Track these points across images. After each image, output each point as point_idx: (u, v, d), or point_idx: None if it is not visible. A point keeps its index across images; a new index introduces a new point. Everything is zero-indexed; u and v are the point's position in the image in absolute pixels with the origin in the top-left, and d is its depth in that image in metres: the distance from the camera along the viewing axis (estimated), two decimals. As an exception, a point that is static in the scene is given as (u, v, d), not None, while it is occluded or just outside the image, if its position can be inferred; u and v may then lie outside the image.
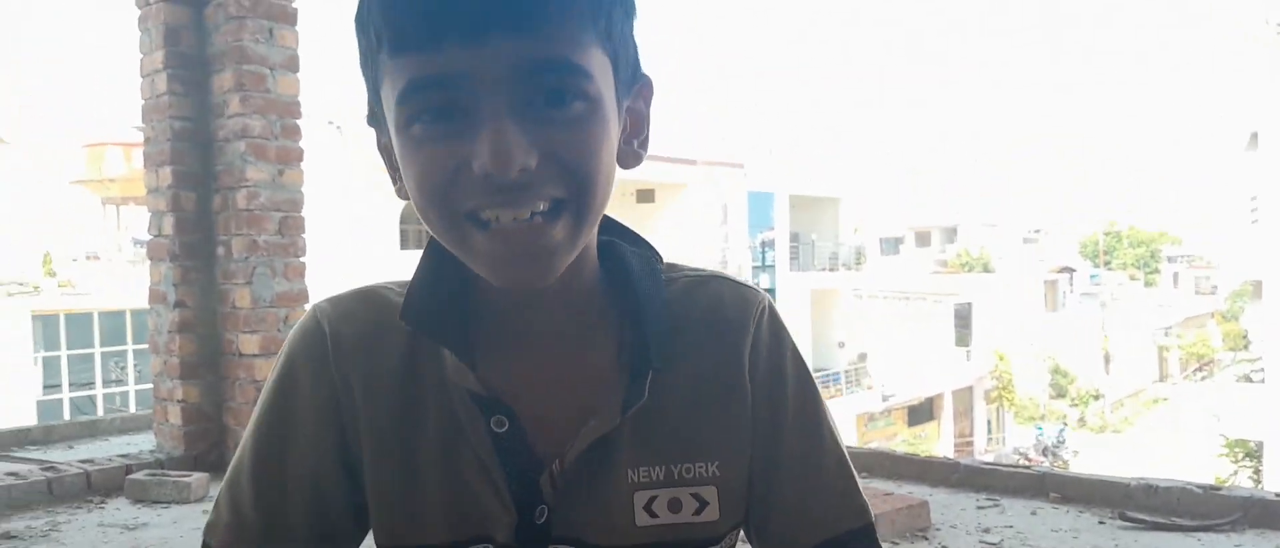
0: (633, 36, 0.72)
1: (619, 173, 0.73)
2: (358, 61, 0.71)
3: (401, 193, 0.72)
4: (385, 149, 0.73)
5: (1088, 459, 25.13)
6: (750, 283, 0.84)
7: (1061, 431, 28.39)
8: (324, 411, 0.77)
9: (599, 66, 0.66)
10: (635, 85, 0.74)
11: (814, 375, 0.85)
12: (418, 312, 0.75)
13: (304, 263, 4.99)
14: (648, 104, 0.75)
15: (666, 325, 0.77)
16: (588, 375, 0.76)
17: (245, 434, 0.81)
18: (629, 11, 0.71)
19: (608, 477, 0.75)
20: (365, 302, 0.79)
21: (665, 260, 0.82)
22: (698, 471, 0.76)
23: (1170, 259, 50.87)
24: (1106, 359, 34.88)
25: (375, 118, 0.72)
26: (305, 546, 0.78)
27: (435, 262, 0.76)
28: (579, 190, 0.66)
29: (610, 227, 0.80)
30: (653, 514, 0.75)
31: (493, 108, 0.63)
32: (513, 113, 0.63)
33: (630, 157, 0.74)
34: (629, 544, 0.75)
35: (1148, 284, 46.16)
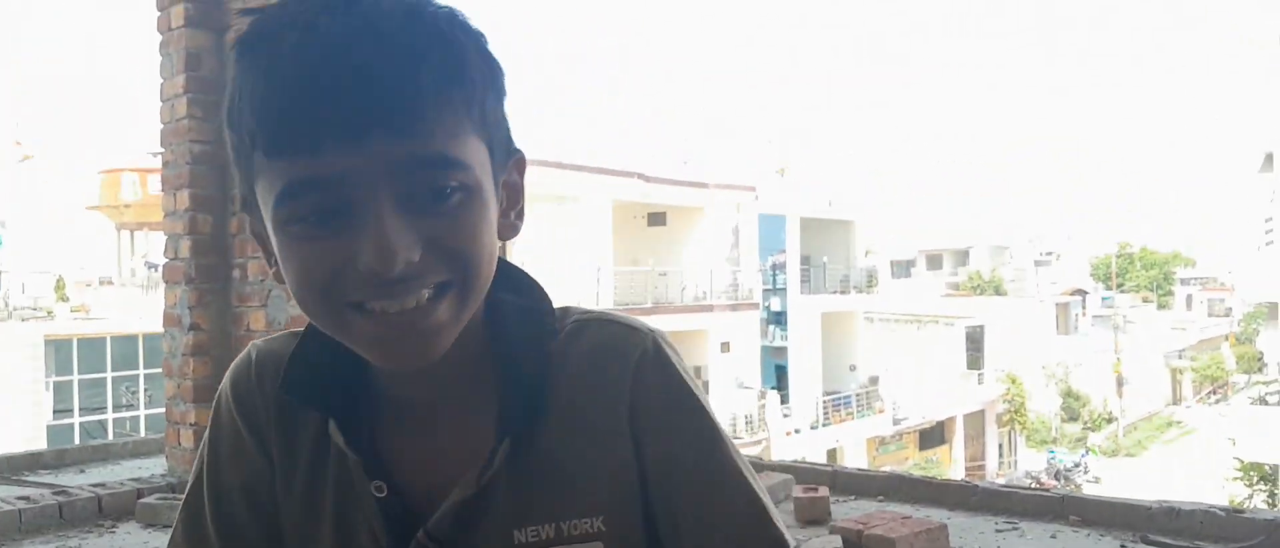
0: (504, 115, 0.73)
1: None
2: (230, 152, 0.71)
3: (278, 277, 0.72)
4: (259, 236, 0.73)
5: (1102, 483, 24.91)
6: (638, 322, 0.81)
7: (1084, 455, 28.15)
8: (259, 447, 0.81)
9: (475, 154, 0.68)
10: (509, 161, 0.75)
11: (711, 409, 0.80)
12: (300, 383, 0.77)
13: (318, 286, 5.00)
14: (521, 175, 0.77)
15: (540, 385, 0.76)
16: (468, 437, 0.77)
17: (200, 460, 0.84)
18: (500, 94, 0.72)
19: (489, 540, 0.75)
20: (290, 346, 0.81)
21: (556, 305, 0.81)
22: (584, 527, 0.76)
23: (1183, 281, 50.62)
24: (1119, 382, 34.64)
25: (248, 205, 0.72)
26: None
27: (318, 333, 0.75)
28: (463, 273, 0.68)
29: (501, 276, 0.77)
30: None
31: (374, 207, 0.64)
32: (394, 209, 0.64)
33: (507, 228, 0.75)
34: None
35: (1161, 306, 45.90)
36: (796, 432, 20.64)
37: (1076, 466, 26.53)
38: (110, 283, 22.73)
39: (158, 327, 5.22)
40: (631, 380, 0.77)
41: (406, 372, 0.74)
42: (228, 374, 0.84)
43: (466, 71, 0.68)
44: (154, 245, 22.22)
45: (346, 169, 0.63)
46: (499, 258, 0.75)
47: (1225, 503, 4.96)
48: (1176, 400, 39.80)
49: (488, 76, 0.70)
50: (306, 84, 0.63)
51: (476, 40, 0.70)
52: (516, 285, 0.79)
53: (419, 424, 0.78)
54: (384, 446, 0.77)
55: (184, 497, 0.84)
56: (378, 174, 0.64)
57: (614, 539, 0.76)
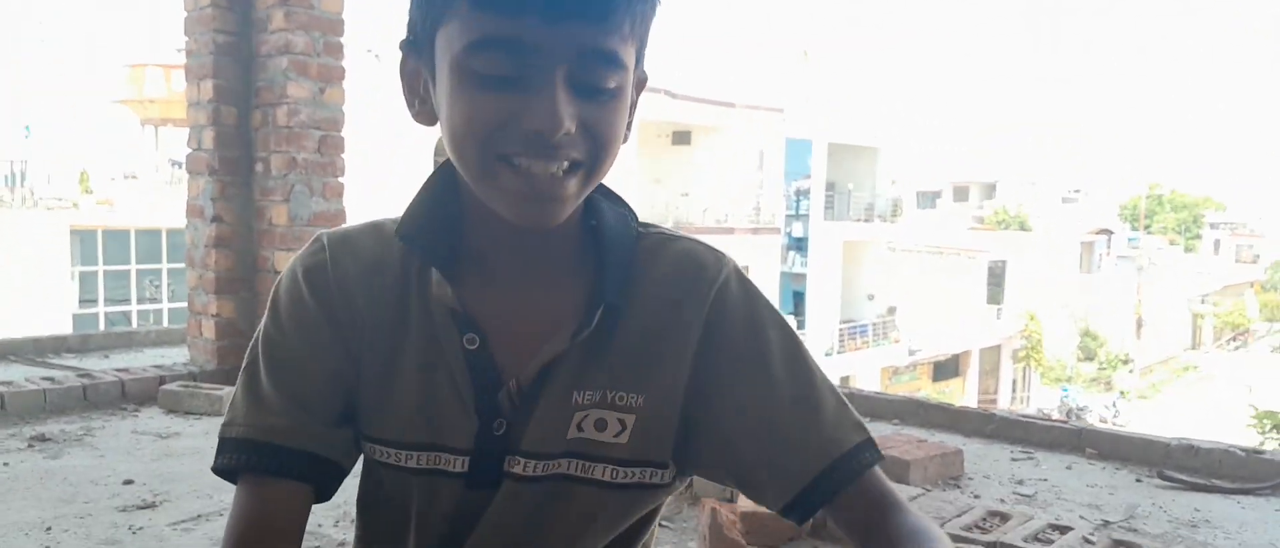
0: (649, 38, 0.81)
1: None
2: None
3: (419, 116, 0.83)
4: (409, 75, 0.83)
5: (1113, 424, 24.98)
6: (717, 248, 0.92)
7: (1116, 399, 28.25)
8: (330, 320, 0.86)
9: (629, 60, 0.77)
10: (637, 77, 0.83)
11: (789, 321, 0.91)
12: (412, 231, 0.85)
13: (342, 183, 4.97)
14: (639, 94, 0.85)
15: (628, 269, 0.86)
16: (555, 307, 0.85)
17: (254, 345, 0.88)
18: (655, 11, 0.80)
19: (555, 396, 0.84)
20: (367, 233, 0.89)
21: (642, 221, 0.91)
22: (626, 400, 0.85)
23: (1212, 225, 49.91)
24: (1139, 324, 34.44)
25: (416, 45, 0.81)
26: (328, 424, 0.85)
27: (435, 190, 0.86)
28: (596, 158, 0.77)
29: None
30: (580, 430, 0.84)
31: (551, 78, 0.72)
32: (565, 85, 0.73)
33: (624, 136, 0.84)
34: (555, 452, 0.84)
35: (1188, 250, 45.36)
36: (811, 357, 20.73)
37: (1109, 409, 26.67)
38: (135, 177, 22.82)
39: (181, 223, 5.22)
40: (716, 293, 0.87)
41: (510, 236, 0.83)
42: (296, 260, 0.89)
43: None
44: (178, 142, 22.24)
45: (539, 39, 0.72)
46: None
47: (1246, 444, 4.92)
48: (1196, 345, 39.61)
49: (654, 7, 0.79)
50: None
51: None
52: (607, 194, 0.90)
53: (506, 288, 0.85)
54: (474, 304, 0.84)
55: (244, 367, 0.88)
56: (562, 52, 0.72)
57: (646, 416, 0.85)
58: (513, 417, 0.84)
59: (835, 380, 0.91)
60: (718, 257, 0.90)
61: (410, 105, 0.83)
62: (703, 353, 0.86)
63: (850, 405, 0.89)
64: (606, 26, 0.73)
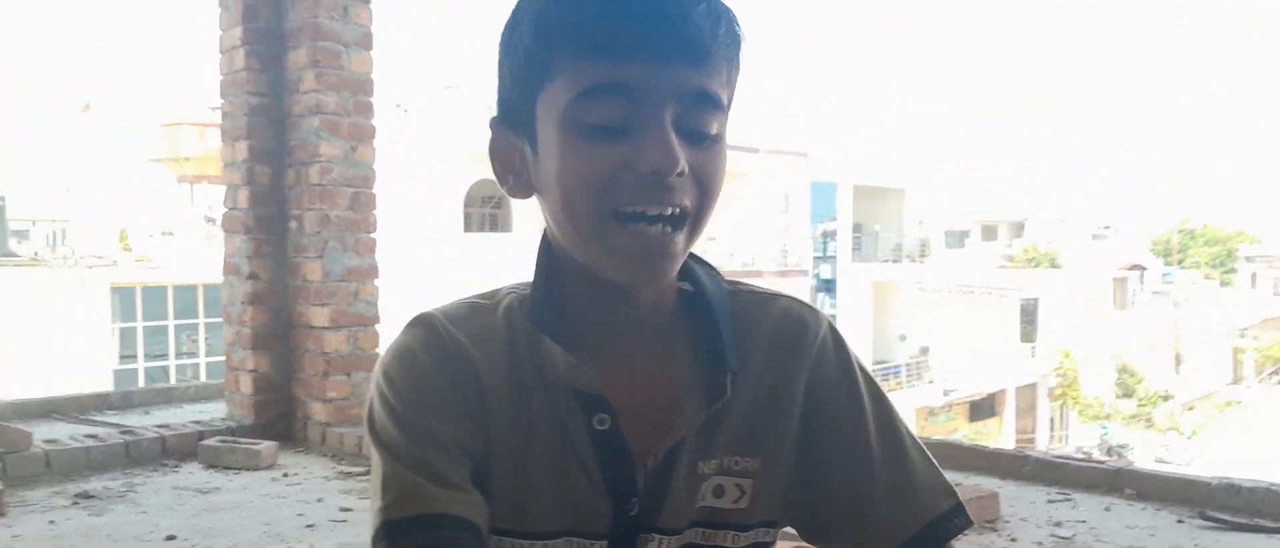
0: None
1: None
2: (511, 61, 0.79)
3: (514, 191, 0.82)
4: (502, 152, 0.82)
5: (1149, 462, 24.49)
6: (812, 305, 0.92)
7: (1173, 437, 27.89)
8: (458, 391, 0.82)
9: (727, 104, 0.79)
10: None
11: (877, 377, 0.92)
12: (543, 315, 0.83)
13: (375, 238, 5.06)
14: None
15: (734, 333, 0.85)
16: (670, 376, 0.84)
17: (381, 434, 0.81)
18: (742, 61, 0.82)
19: (682, 469, 0.83)
20: (465, 311, 0.86)
21: (727, 278, 0.91)
22: (744, 464, 0.85)
23: (1248, 259, 49.16)
24: (1177, 360, 33.85)
25: (510, 118, 0.81)
26: (477, 496, 0.80)
27: (547, 271, 0.84)
28: (702, 205, 0.77)
29: None
30: (703, 499, 0.85)
31: (661, 121, 0.73)
32: (674, 127, 0.74)
33: None
34: (683, 525, 0.84)
35: (1223, 284, 44.66)
36: (843, 400, 20.56)
37: (1165, 448, 26.30)
38: (171, 234, 23.27)
39: (217, 278, 5.33)
40: (816, 352, 0.88)
41: (615, 306, 0.82)
42: (403, 339, 0.84)
43: (742, 47, 0.79)
44: (213, 198, 22.67)
45: (647, 83, 0.73)
46: None
47: (1287, 483, 4.83)
48: (1237, 380, 38.82)
49: (743, 63, 0.81)
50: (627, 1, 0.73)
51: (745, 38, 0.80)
52: (693, 255, 0.88)
53: (622, 363, 0.84)
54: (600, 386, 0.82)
55: (380, 476, 0.80)
56: (669, 94, 0.73)
57: (762, 480, 0.86)
58: (646, 495, 0.83)
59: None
60: (815, 315, 0.90)
61: (503, 181, 0.83)
62: (806, 413, 0.87)
63: (940, 469, 0.90)
64: (708, 68, 0.75)
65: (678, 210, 0.75)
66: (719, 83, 0.77)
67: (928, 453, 0.90)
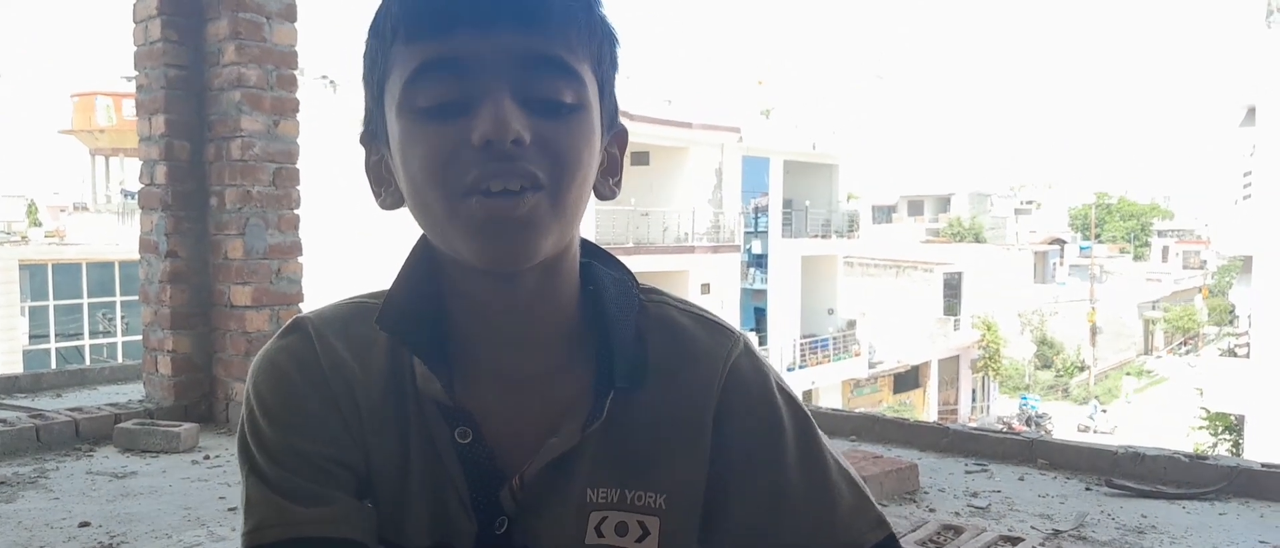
0: (614, 84, 0.80)
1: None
2: (363, 70, 0.77)
3: (386, 203, 0.79)
4: (374, 166, 0.79)
5: (1071, 429, 25.41)
6: (727, 321, 0.86)
7: (1095, 409, 29.00)
8: (328, 405, 0.79)
9: (589, 83, 0.74)
10: (613, 129, 0.81)
11: (801, 403, 0.86)
12: (394, 319, 0.78)
13: (298, 215, 4.95)
14: (622, 151, 0.83)
15: (635, 348, 0.79)
16: (558, 393, 0.79)
17: (246, 449, 0.79)
18: (615, 57, 0.79)
19: (566, 493, 0.78)
20: (349, 312, 0.82)
21: (642, 285, 0.85)
22: (647, 500, 0.79)
23: (1160, 233, 51.06)
24: (1093, 331, 35.11)
25: (371, 135, 0.79)
26: (357, 501, 0.78)
27: (415, 268, 0.79)
28: (559, 176, 0.71)
29: (591, 251, 0.84)
30: (600, 534, 0.79)
31: (495, 89, 0.69)
32: (512, 96, 0.70)
33: (607, 189, 0.81)
34: None
35: (1137, 257, 46.39)
36: (773, 373, 20.84)
37: (1090, 419, 27.37)
38: (85, 209, 22.45)
39: (134, 255, 5.16)
40: (726, 373, 0.82)
41: (499, 315, 0.77)
42: (270, 349, 0.81)
43: (594, 10, 0.75)
44: (129, 172, 21.93)
45: (475, 53, 0.70)
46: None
47: (1190, 451, 5.06)
48: (1148, 350, 40.42)
49: (607, 33, 0.77)
50: None
51: (600, 3, 0.77)
52: (606, 259, 0.85)
53: (500, 374, 0.79)
54: (467, 397, 0.78)
55: (245, 499, 0.79)
56: (501, 63, 0.70)
57: (669, 519, 0.80)
58: (516, 515, 0.78)
59: (798, 395, 0.86)
60: (729, 334, 0.84)
61: (377, 196, 0.80)
62: (717, 444, 0.81)
63: (871, 497, 0.84)
64: (545, 31, 0.71)
65: (528, 184, 0.70)
66: (565, 47, 0.72)
67: (857, 480, 0.84)
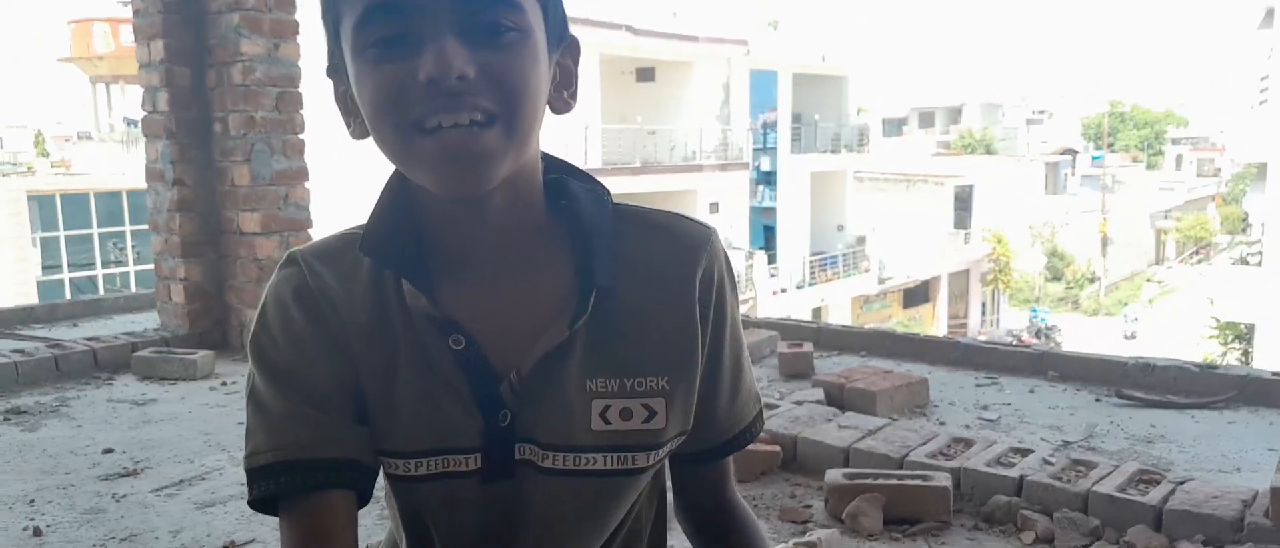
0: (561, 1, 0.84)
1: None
2: (320, 10, 0.80)
3: (355, 133, 0.82)
4: (341, 98, 0.83)
5: (1080, 341, 25.50)
6: (698, 218, 0.93)
7: (1130, 314, 29.09)
8: (323, 331, 0.84)
9: (530, 8, 0.77)
10: (563, 42, 0.84)
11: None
12: (375, 244, 0.84)
13: (303, 140, 4.92)
14: (576, 62, 0.86)
15: (613, 250, 0.85)
16: (543, 296, 0.84)
17: (251, 378, 0.85)
18: None
19: (565, 385, 0.84)
20: (339, 243, 0.88)
21: (613, 198, 0.90)
22: (649, 384, 0.85)
23: (1174, 141, 50.45)
24: (1104, 242, 34.97)
25: (334, 69, 0.82)
26: (350, 425, 0.83)
27: (392, 197, 0.84)
28: (509, 105, 0.75)
29: (560, 167, 0.89)
30: (606, 421, 0.85)
31: (436, 29, 0.73)
32: (455, 34, 0.73)
33: (561, 104, 0.85)
34: (583, 445, 0.85)
35: (1150, 167, 45.91)
36: (782, 291, 20.89)
37: (1135, 321, 27.52)
38: (89, 138, 22.35)
39: (141, 183, 5.15)
40: (706, 259, 0.88)
41: (472, 227, 0.82)
42: (272, 284, 0.87)
43: None
44: (130, 100, 21.75)
45: None
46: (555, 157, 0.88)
47: (1200, 360, 5.07)
48: (1160, 261, 40.33)
49: None
50: None
51: None
52: (576, 173, 0.90)
53: (484, 284, 0.84)
54: (452, 306, 0.83)
55: (248, 400, 0.85)
56: (443, 4, 0.73)
57: (674, 397, 0.87)
58: (517, 407, 0.83)
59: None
60: (702, 228, 0.91)
61: (348, 126, 0.84)
62: (704, 324, 0.88)
63: (753, 376, 0.97)
64: None
65: (480, 116, 0.74)
66: None
67: (749, 362, 0.96)
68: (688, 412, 0.89)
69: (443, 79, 0.72)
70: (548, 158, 0.88)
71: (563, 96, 0.85)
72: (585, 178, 0.90)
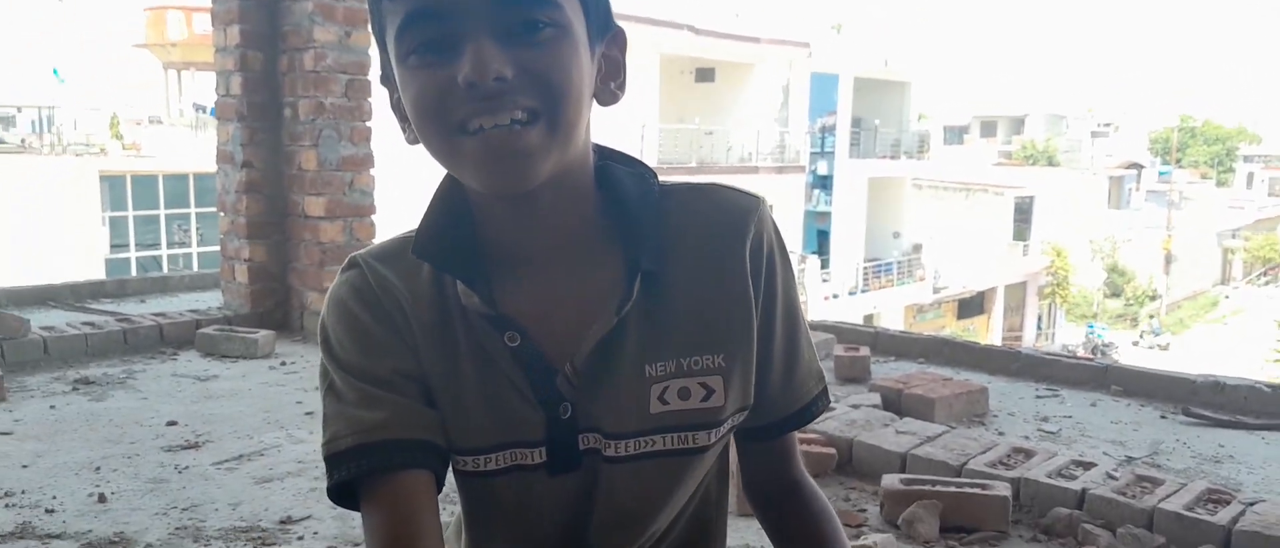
0: None
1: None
2: (370, 23, 0.83)
3: (410, 138, 0.83)
4: (395, 105, 0.84)
5: (1139, 360, 24.87)
6: (747, 189, 0.92)
7: (1153, 324, 28.43)
8: (390, 329, 0.86)
9: (568, 3, 0.77)
10: (608, 33, 0.84)
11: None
12: (428, 246, 0.85)
13: (370, 127, 4.99)
14: (622, 52, 0.86)
15: (659, 232, 0.86)
16: (592, 287, 0.85)
17: (325, 375, 0.87)
18: None
19: (622, 372, 0.84)
20: (398, 246, 0.89)
21: (660, 179, 0.90)
22: (705, 362, 0.86)
23: (1246, 158, 48.96)
24: (1168, 259, 34.07)
25: (386, 77, 0.84)
26: (424, 407, 0.85)
27: (443, 199, 0.86)
28: (551, 102, 0.76)
29: (606, 153, 0.89)
30: (665, 402, 0.85)
31: (474, 32, 0.74)
32: (492, 36, 0.74)
33: (608, 95, 0.85)
34: (645, 428, 0.85)
35: (1220, 184, 44.62)
36: (834, 297, 20.69)
37: (1153, 334, 26.93)
38: (159, 122, 22.95)
39: (207, 167, 5.27)
40: (754, 227, 0.88)
41: (523, 223, 0.83)
42: (335, 288, 0.88)
43: None
44: (201, 85, 22.27)
45: (452, 2, 0.74)
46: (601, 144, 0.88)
47: (1273, 381, 4.92)
48: (1225, 280, 39.18)
49: None
50: None
51: None
52: (622, 158, 0.90)
53: (536, 279, 0.85)
54: (507, 303, 0.84)
55: (324, 397, 0.86)
56: (479, 6, 0.74)
57: (731, 374, 0.87)
58: (576, 399, 0.84)
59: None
60: (754, 197, 0.90)
61: (404, 132, 0.85)
62: (757, 294, 0.88)
63: (815, 353, 0.97)
64: None
65: (522, 115, 0.75)
66: None
67: (810, 339, 0.96)
68: (747, 386, 0.89)
69: (481, 81, 0.73)
70: (596, 147, 0.88)
71: (609, 88, 0.85)
72: (629, 162, 0.90)
